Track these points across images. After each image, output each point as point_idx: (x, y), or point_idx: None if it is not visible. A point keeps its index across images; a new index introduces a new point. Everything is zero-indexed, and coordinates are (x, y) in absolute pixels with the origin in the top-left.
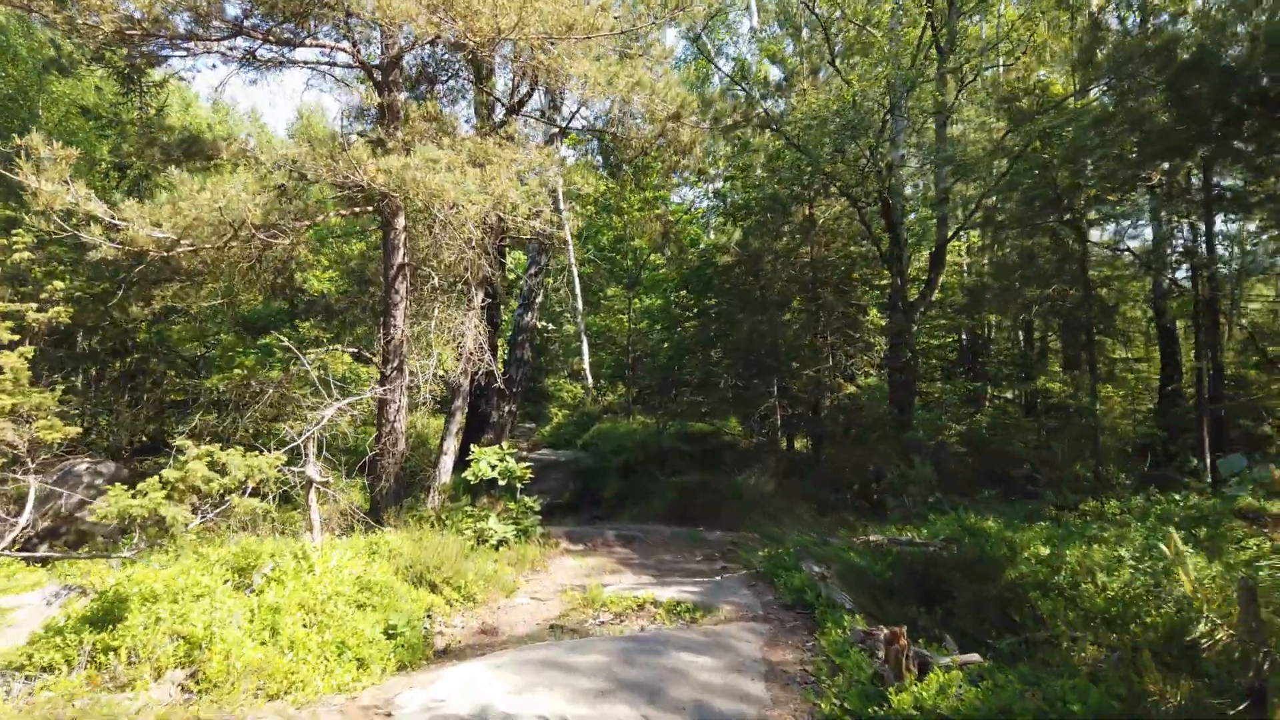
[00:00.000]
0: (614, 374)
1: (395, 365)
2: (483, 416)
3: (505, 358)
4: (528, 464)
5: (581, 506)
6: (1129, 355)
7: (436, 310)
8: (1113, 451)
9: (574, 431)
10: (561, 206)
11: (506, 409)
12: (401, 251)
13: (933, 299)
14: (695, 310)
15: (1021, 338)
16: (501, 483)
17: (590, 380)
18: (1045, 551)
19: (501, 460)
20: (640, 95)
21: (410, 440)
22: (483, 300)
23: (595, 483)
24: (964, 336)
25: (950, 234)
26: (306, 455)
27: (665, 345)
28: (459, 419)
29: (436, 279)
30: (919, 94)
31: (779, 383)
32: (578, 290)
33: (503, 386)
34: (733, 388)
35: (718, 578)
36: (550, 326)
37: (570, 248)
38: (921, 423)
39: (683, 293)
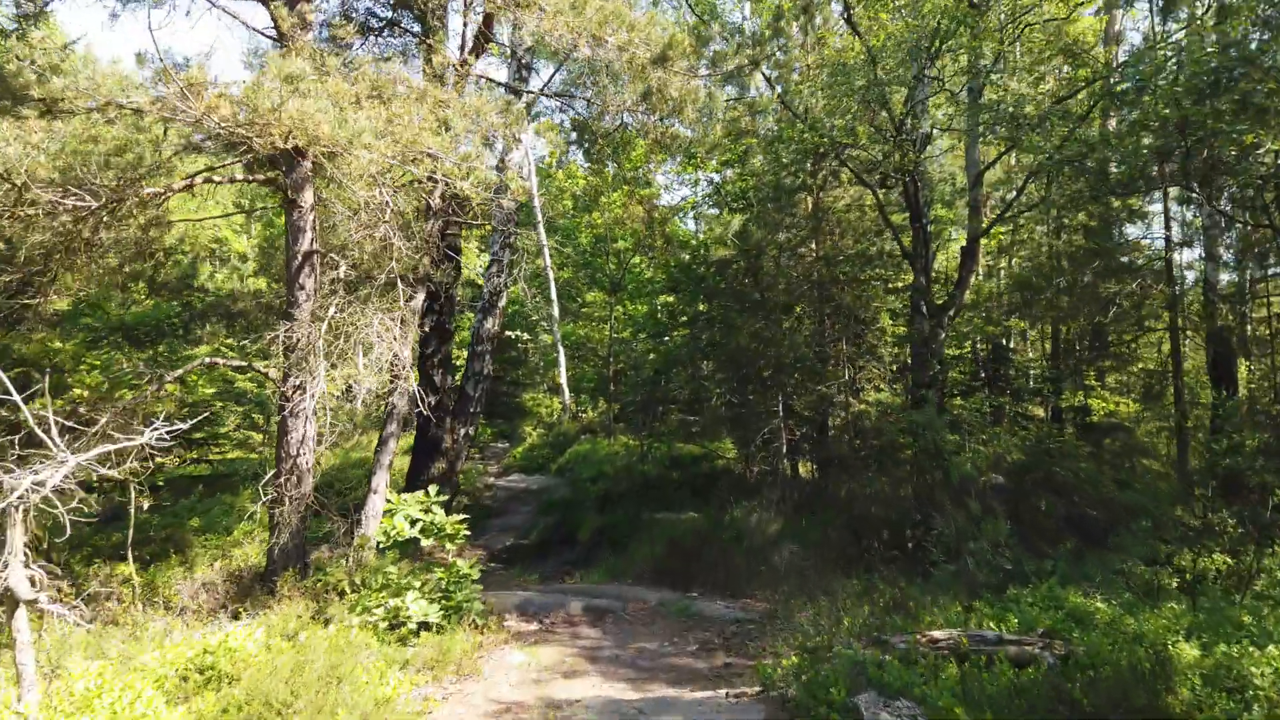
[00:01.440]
0: (595, 388)
1: (298, 383)
2: (433, 441)
3: (463, 371)
4: (483, 501)
5: (552, 547)
6: (1146, 365)
7: (332, 310)
8: (1203, 484)
9: (550, 454)
10: (531, 176)
11: (462, 432)
12: (309, 236)
13: (964, 301)
14: (685, 316)
15: (1049, 346)
16: (426, 542)
17: (568, 396)
18: (1194, 653)
19: (426, 512)
20: (616, 32)
21: (344, 473)
22: (423, 302)
23: (570, 517)
24: (981, 345)
25: (988, 224)
26: (8, 553)
27: (651, 356)
28: (392, 448)
29: (344, 267)
30: (950, 55)
31: (784, 400)
32: (554, 294)
33: (430, 406)
34: (727, 404)
35: (723, 693)
36: (526, 336)
37: (545, 243)
38: (948, 445)
39: (671, 297)
